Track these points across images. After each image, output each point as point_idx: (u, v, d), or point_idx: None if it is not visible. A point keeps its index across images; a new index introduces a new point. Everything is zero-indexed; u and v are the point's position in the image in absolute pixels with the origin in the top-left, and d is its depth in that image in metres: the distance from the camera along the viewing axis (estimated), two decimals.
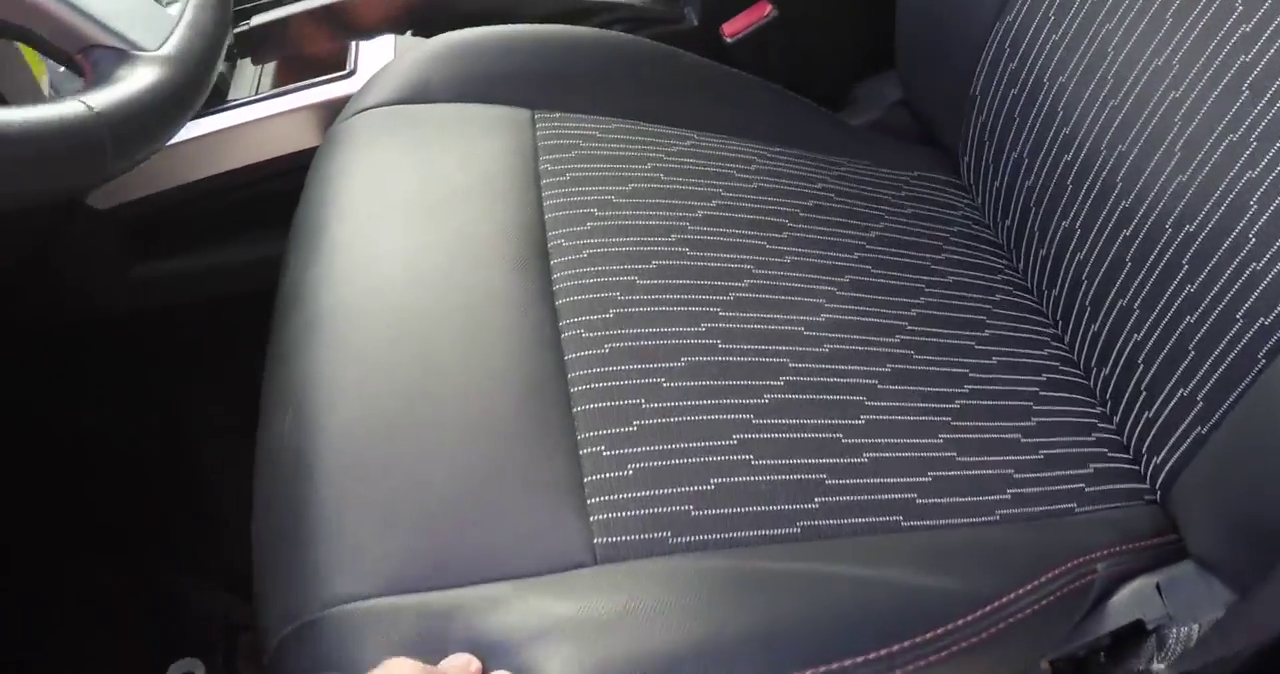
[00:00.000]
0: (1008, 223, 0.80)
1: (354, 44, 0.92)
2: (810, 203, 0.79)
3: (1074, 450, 0.69)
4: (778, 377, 0.64)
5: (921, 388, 0.68)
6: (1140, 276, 0.66)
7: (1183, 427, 0.63)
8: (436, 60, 0.81)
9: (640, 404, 0.60)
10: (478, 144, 0.75)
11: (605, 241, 0.70)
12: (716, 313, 0.67)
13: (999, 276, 0.80)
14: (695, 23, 0.97)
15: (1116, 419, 0.70)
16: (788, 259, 0.73)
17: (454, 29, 0.84)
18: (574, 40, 0.85)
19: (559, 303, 0.65)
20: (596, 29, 0.88)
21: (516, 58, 0.82)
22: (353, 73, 0.89)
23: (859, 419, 0.64)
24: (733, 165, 0.80)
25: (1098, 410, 0.72)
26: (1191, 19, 0.62)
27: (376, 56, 0.91)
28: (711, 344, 0.65)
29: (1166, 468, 0.65)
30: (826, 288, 0.72)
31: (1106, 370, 0.70)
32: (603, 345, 0.63)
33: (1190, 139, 0.62)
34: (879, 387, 0.67)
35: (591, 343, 0.63)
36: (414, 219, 0.69)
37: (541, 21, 0.86)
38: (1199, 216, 0.61)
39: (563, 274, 0.67)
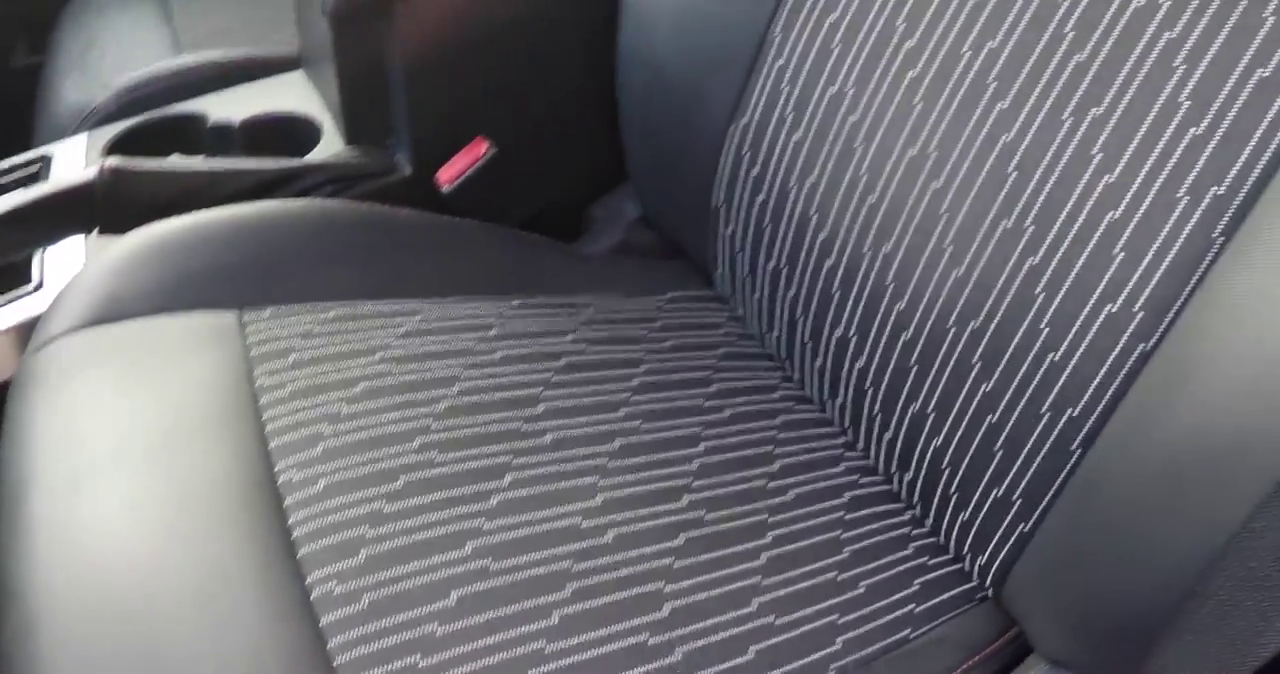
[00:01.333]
0: (775, 335, 0.75)
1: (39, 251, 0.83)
2: (563, 362, 0.72)
3: (895, 571, 0.64)
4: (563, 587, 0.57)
5: (721, 552, 0.62)
6: (930, 380, 0.61)
7: (1004, 526, 0.58)
8: (127, 266, 0.71)
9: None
10: (183, 366, 0.66)
11: (341, 464, 0.61)
12: (480, 527, 0.59)
13: (776, 394, 0.75)
14: (409, 171, 0.89)
15: (930, 522, 0.66)
16: (548, 438, 0.66)
17: (145, 221, 0.74)
18: (275, 218, 0.76)
19: (300, 554, 0.56)
20: (299, 200, 0.79)
21: (213, 250, 0.73)
22: (40, 286, 0.81)
23: (663, 610, 0.57)
24: (470, 336, 0.72)
25: (909, 515, 0.67)
26: (942, 102, 0.59)
27: (65, 263, 0.82)
28: (482, 567, 0.57)
29: (995, 566, 0.60)
30: (597, 461, 0.65)
31: (910, 475, 0.65)
32: (360, 598, 0.54)
33: (960, 230, 0.58)
34: (674, 565, 0.60)
35: (345, 599, 0.54)
36: (119, 478, 0.59)
37: (237, 198, 0.78)
38: (983, 312, 0.57)
39: (299, 516, 0.58)
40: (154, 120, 0.96)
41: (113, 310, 0.69)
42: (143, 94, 1.05)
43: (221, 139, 0.94)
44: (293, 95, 0.97)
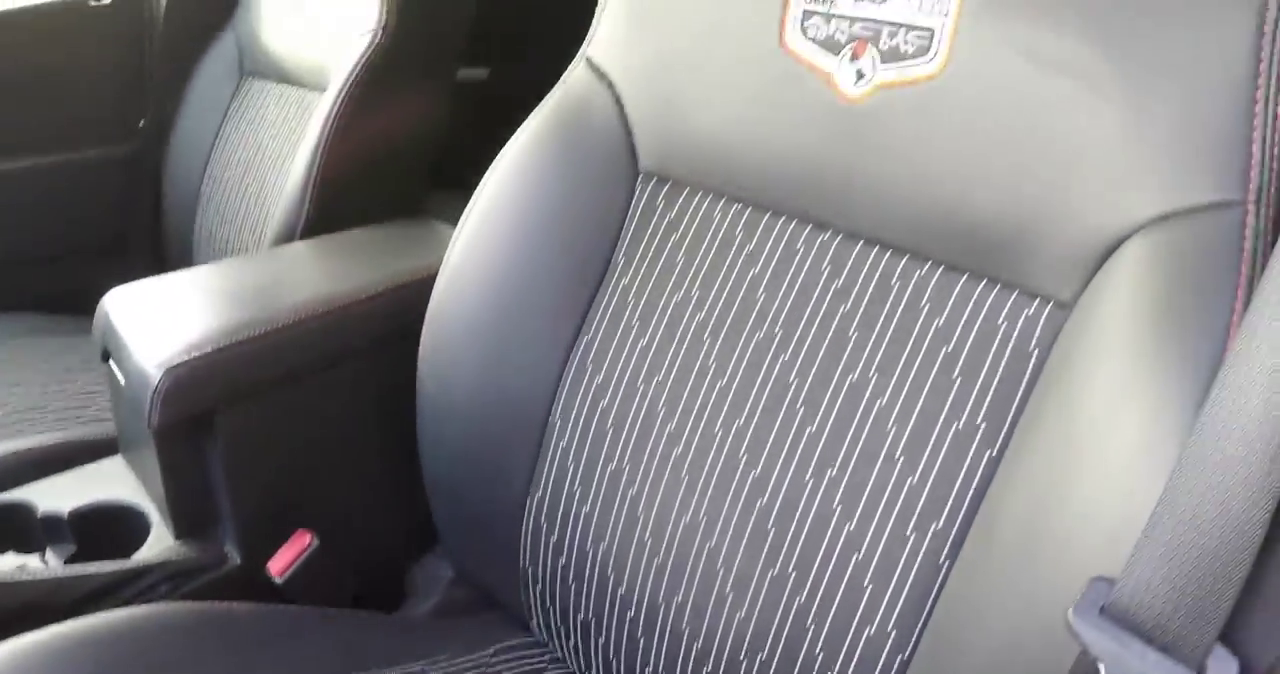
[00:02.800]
0: None
1: None
2: None
3: None
4: None
5: None
6: None
7: None
8: None
9: None
10: None
11: None
12: None
13: None
14: (239, 561, 0.93)
15: None
16: None
17: None
18: (98, 633, 0.75)
19: None
20: (140, 609, 0.80)
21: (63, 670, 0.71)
22: None
23: None
24: None
25: None
26: (704, 475, 0.71)
27: None
28: None
29: None
30: None
31: None
32: None
33: (737, 580, 0.69)
34: None
35: None
36: None
37: (79, 605, 0.78)
38: (767, 644, 0.68)
39: None
40: None
41: None
42: None
43: (52, 531, 0.94)
44: (118, 483, 0.99)
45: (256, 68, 1.49)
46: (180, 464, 0.90)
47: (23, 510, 0.95)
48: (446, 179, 1.47)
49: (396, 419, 0.91)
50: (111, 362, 0.94)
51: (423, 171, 1.37)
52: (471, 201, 0.84)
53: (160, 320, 0.92)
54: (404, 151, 1.32)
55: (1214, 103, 0.55)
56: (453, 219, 0.89)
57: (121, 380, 0.91)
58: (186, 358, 0.86)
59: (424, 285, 0.86)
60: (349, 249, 1.10)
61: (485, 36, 1.45)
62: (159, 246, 1.62)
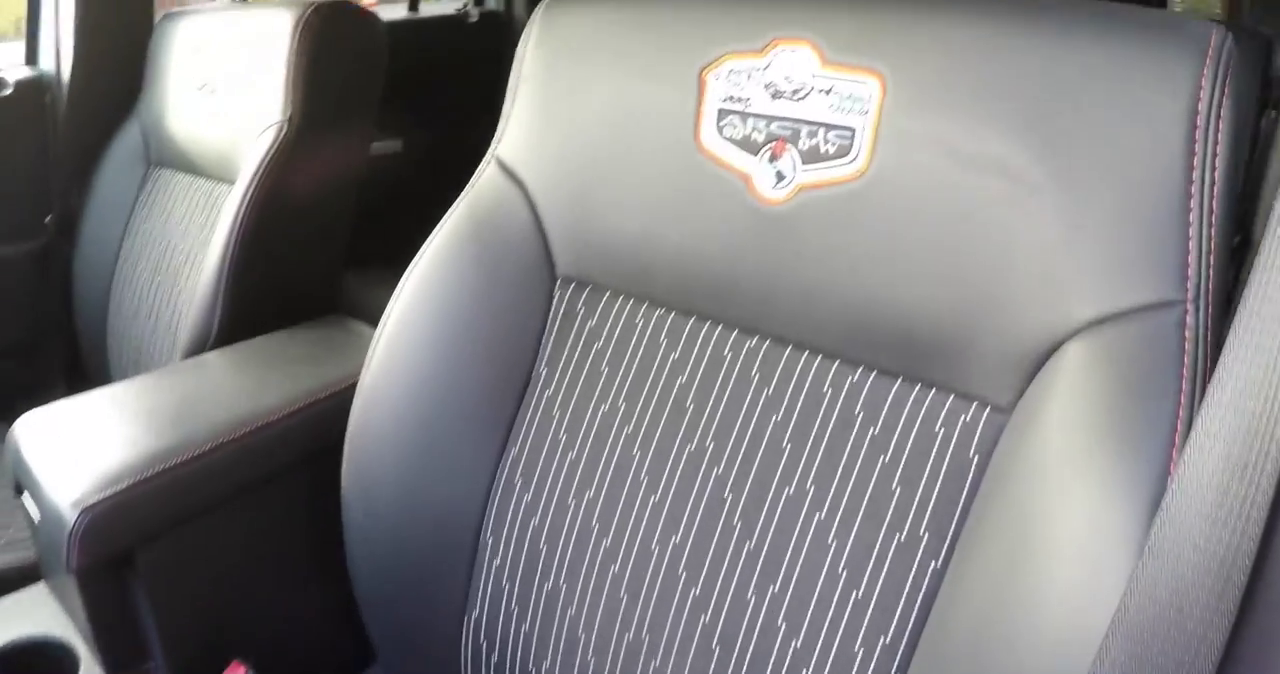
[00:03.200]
0: None
1: None
2: None
3: None
4: None
5: None
6: None
7: None
8: None
9: None
10: None
11: None
12: None
13: None
14: None
15: None
16: None
17: None
18: None
19: None
20: None
21: None
22: None
23: None
24: None
25: None
26: (644, 592, 0.68)
27: None
28: None
29: None
30: None
31: None
32: None
33: None
34: None
35: None
36: None
37: None
38: None
39: None
40: None
41: None
42: None
43: None
44: (44, 614, 0.93)
45: (163, 158, 1.44)
46: (104, 601, 0.85)
47: None
48: (364, 256, 1.45)
49: (326, 536, 0.87)
50: (25, 495, 0.89)
51: (339, 258, 1.34)
52: (389, 307, 0.80)
53: (73, 452, 0.87)
54: (317, 242, 1.29)
55: (1148, 201, 0.53)
56: (372, 303, 0.86)
57: (36, 518, 0.86)
58: (102, 496, 0.81)
59: (344, 397, 0.82)
60: (265, 359, 1.06)
61: (397, 108, 1.42)
62: (71, 347, 1.56)
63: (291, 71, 1.19)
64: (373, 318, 0.94)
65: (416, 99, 1.85)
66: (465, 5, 2.30)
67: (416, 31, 2.16)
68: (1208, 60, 0.53)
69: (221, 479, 0.88)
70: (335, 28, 1.22)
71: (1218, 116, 0.53)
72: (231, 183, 1.24)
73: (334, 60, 1.22)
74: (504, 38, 2.28)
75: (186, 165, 1.39)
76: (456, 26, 2.22)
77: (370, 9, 1.29)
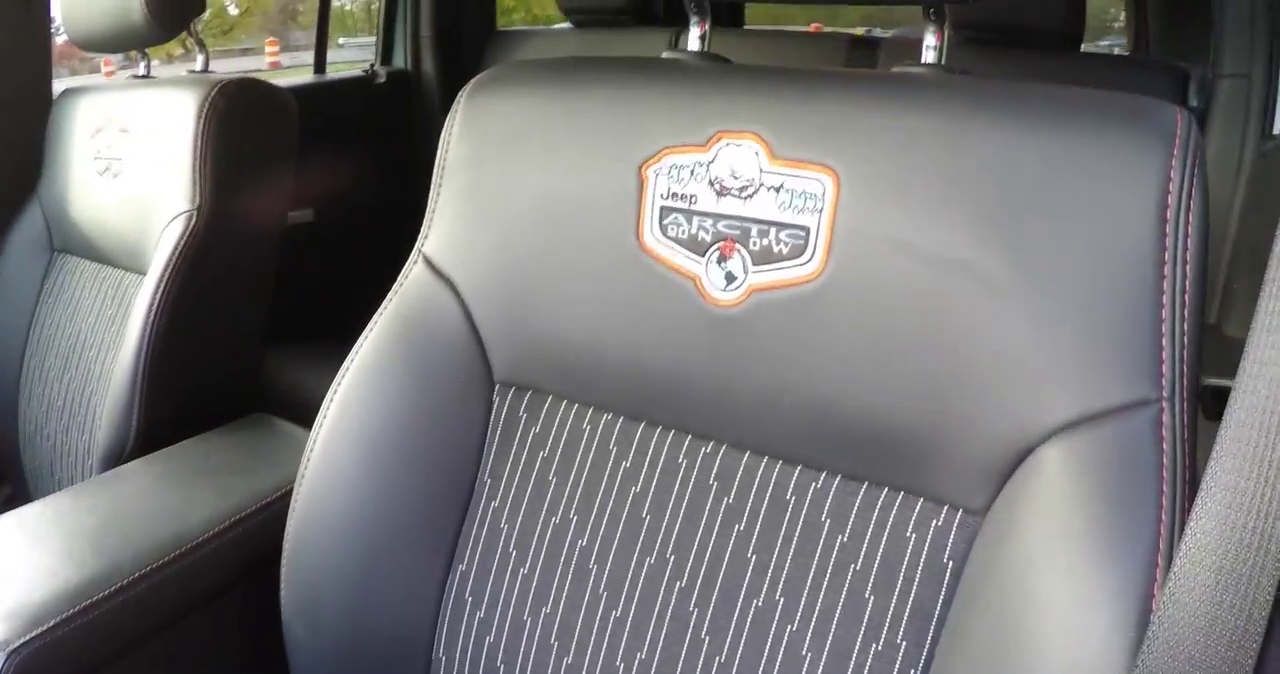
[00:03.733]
0: None
1: None
2: None
3: None
4: None
5: None
6: None
7: None
8: None
9: None
10: None
11: None
12: None
13: None
14: None
15: None
16: None
17: None
18: None
19: None
20: None
21: None
22: None
23: None
24: None
25: None
26: None
27: None
28: None
29: None
30: None
31: None
32: None
33: None
34: None
35: None
36: None
37: None
38: None
39: None
40: None
41: None
42: None
43: None
44: None
45: (67, 244, 1.38)
46: None
47: None
48: (282, 333, 1.40)
49: (271, 657, 0.82)
50: None
51: (258, 347, 1.29)
52: (319, 415, 0.76)
53: None
54: (236, 333, 1.24)
55: (1119, 297, 0.52)
56: (294, 386, 0.81)
57: None
58: (28, 637, 0.75)
59: (277, 509, 0.78)
60: (189, 470, 0.99)
61: (306, 176, 1.38)
62: None
63: (198, 157, 1.14)
64: (296, 405, 0.89)
65: (326, 165, 1.80)
66: (371, 65, 2.26)
67: (324, 95, 2.11)
68: (1175, 147, 0.52)
69: (154, 608, 0.82)
70: (243, 107, 1.18)
71: (1188, 207, 0.52)
72: (141, 273, 1.19)
73: (243, 142, 1.18)
74: (412, 98, 2.25)
75: (93, 253, 1.33)
76: (364, 88, 2.18)
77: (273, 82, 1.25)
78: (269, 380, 1.33)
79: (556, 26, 2.72)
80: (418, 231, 0.75)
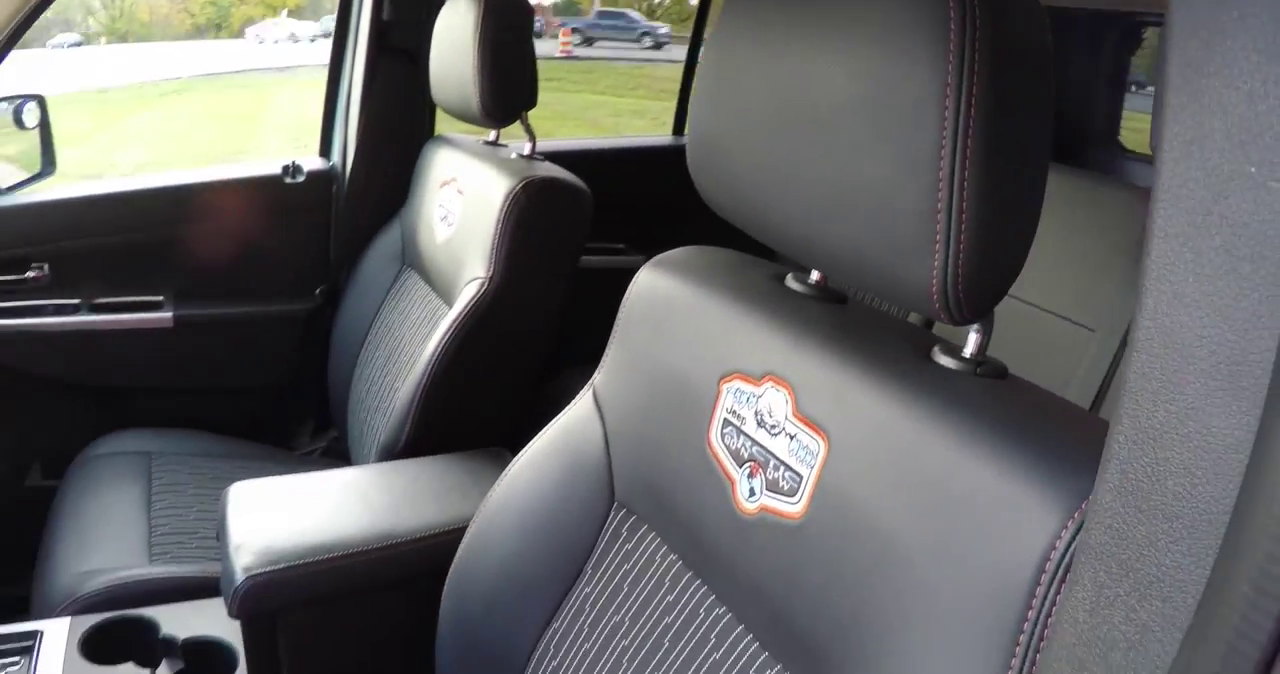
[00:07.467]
0: None
1: None
2: None
3: None
4: None
5: None
6: None
7: None
8: None
9: None
10: None
11: None
12: None
13: None
14: None
15: None
16: None
17: None
18: None
19: None
20: None
21: None
22: None
23: None
24: None
25: None
26: None
27: None
28: None
29: None
30: None
31: None
32: None
33: None
34: None
35: None
36: None
37: None
38: None
39: None
40: (119, 619, 1.20)
41: None
42: (117, 595, 1.36)
43: (169, 651, 1.17)
44: (226, 622, 1.20)
45: (413, 261, 1.74)
46: (255, 640, 1.16)
47: (149, 628, 1.20)
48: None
49: (423, 644, 1.12)
50: (221, 543, 1.20)
51: (517, 398, 1.56)
52: (497, 483, 1.04)
53: (259, 526, 1.18)
54: (499, 381, 1.52)
55: (992, 627, 0.60)
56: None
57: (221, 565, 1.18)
58: (263, 570, 1.12)
59: (457, 537, 1.07)
60: (425, 482, 1.33)
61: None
62: (323, 393, 1.92)
63: (497, 236, 1.42)
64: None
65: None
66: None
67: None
68: (1072, 519, 0.58)
69: (355, 577, 1.17)
70: (541, 202, 1.43)
71: (1061, 579, 0.58)
72: (450, 306, 1.49)
73: (533, 232, 1.43)
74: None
75: (425, 276, 1.67)
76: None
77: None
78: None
79: None
80: None
